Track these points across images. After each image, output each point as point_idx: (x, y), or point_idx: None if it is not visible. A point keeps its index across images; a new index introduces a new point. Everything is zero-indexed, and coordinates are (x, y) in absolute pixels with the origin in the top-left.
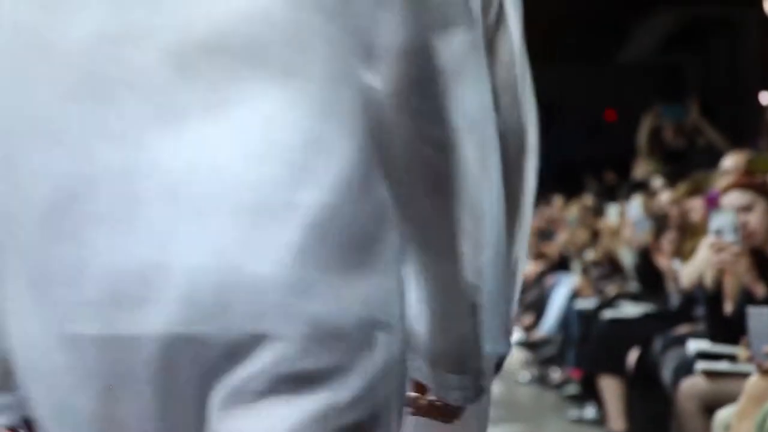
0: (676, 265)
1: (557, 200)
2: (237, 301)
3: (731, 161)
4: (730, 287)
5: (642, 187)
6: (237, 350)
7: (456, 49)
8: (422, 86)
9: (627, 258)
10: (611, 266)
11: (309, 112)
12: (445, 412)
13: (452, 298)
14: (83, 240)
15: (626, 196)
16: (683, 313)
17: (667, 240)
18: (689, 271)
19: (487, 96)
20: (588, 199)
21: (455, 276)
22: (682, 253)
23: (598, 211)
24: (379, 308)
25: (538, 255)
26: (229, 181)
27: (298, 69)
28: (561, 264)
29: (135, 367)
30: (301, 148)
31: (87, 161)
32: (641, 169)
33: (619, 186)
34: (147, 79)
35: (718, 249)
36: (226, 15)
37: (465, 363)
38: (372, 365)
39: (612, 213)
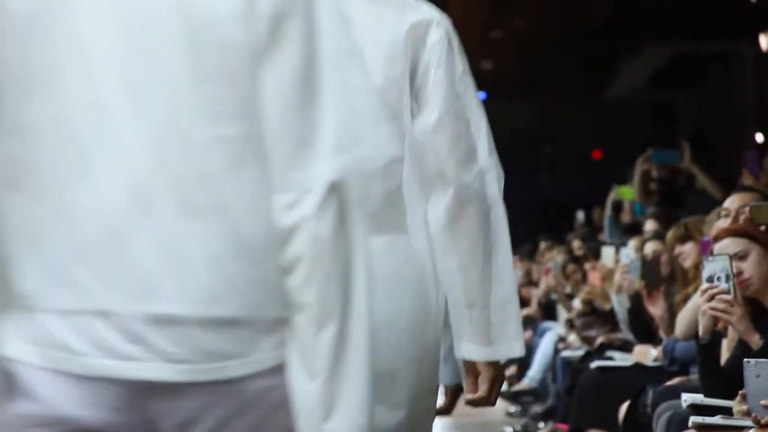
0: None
1: (542, 243)
2: None
3: (731, 203)
4: (728, 338)
5: (634, 230)
6: None
7: None
8: None
9: (618, 304)
10: (597, 313)
11: None
12: None
13: None
14: None
15: (619, 240)
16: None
17: (659, 290)
18: (683, 319)
19: None
20: (575, 243)
21: None
22: (674, 303)
23: (585, 256)
24: None
25: (522, 302)
26: None
27: None
28: (547, 311)
29: None
30: None
31: None
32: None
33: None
34: None
35: (710, 296)
36: None
37: None
38: None
39: (607, 256)
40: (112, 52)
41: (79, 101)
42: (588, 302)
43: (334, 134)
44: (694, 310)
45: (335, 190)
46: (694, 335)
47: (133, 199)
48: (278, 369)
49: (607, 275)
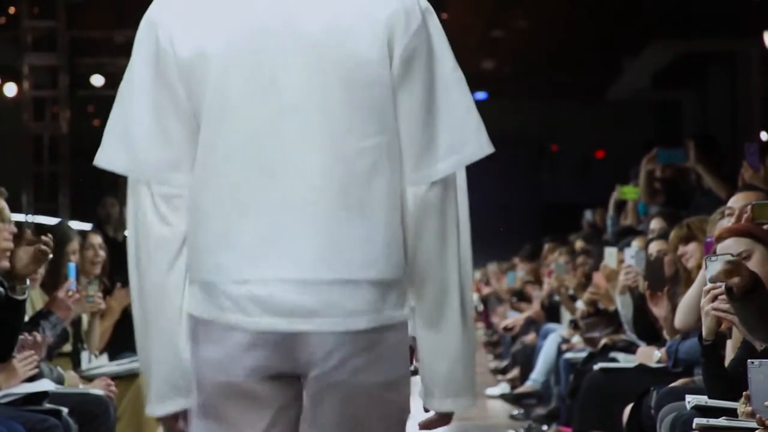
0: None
1: (545, 245)
2: None
3: (734, 202)
4: (731, 339)
5: (633, 232)
6: None
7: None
8: None
9: (621, 305)
10: (602, 314)
11: None
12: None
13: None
14: None
15: (620, 242)
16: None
17: (663, 291)
18: (682, 310)
19: None
20: (578, 243)
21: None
22: (677, 304)
23: (588, 255)
24: None
25: (527, 300)
26: None
27: None
28: (549, 312)
29: None
30: None
31: None
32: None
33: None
34: None
35: (713, 297)
36: None
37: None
38: None
39: (610, 256)
40: (287, 91)
41: (264, 126)
42: (592, 303)
43: (447, 140)
44: (693, 301)
45: (449, 180)
46: (694, 327)
47: (304, 196)
48: (395, 325)
49: (611, 276)
